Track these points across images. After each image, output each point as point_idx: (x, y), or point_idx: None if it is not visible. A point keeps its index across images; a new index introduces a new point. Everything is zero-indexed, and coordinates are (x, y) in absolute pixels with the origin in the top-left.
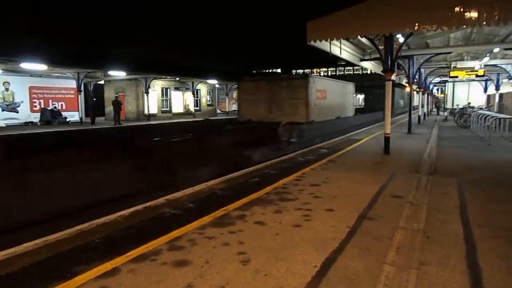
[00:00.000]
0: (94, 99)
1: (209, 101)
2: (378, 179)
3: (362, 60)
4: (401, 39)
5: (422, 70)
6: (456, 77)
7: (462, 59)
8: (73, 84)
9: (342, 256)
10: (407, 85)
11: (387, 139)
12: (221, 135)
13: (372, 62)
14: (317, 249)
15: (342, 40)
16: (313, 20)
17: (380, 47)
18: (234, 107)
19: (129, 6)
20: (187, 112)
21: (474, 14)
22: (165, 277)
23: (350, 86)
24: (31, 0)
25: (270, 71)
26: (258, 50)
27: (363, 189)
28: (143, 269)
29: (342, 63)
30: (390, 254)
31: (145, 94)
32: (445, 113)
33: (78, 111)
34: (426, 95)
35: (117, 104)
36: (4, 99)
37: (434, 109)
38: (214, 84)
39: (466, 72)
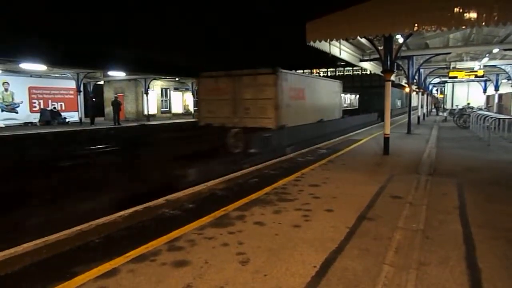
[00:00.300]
0: (94, 99)
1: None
2: (377, 179)
3: (361, 60)
4: (400, 39)
5: (421, 70)
6: (456, 77)
7: (462, 60)
8: (72, 84)
9: (342, 256)
10: (406, 85)
11: (386, 140)
12: (165, 144)
13: (371, 62)
14: (317, 249)
15: (341, 40)
16: (313, 21)
17: (379, 48)
18: None
19: (129, 7)
20: (186, 113)
21: (473, 15)
22: (164, 278)
23: (336, 85)
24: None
25: None
26: (258, 50)
27: (362, 189)
28: (143, 270)
29: (342, 63)
30: (390, 255)
31: (145, 95)
32: (445, 114)
33: (78, 111)
34: (425, 95)
35: (117, 105)
36: (3, 99)
37: (434, 110)
38: None
39: (466, 72)
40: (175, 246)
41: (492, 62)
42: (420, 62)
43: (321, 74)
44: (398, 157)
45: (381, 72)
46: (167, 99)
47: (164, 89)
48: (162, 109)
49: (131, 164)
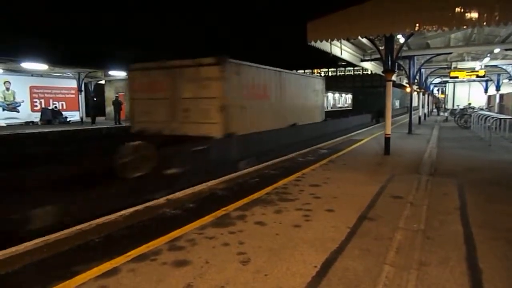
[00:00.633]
0: (95, 98)
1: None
2: (378, 179)
3: (362, 60)
4: (401, 39)
5: (422, 70)
6: (457, 77)
7: (463, 60)
8: (73, 83)
9: (342, 256)
10: (407, 85)
11: (387, 140)
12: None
13: (372, 62)
14: (317, 249)
15: (342, 40)
16: (314, 20)
17: (380, 48)
18: None
19: (129, 7)
20: None
21: (474, 15)
22: (165, 277)
23: (317, 82)
24: (32, 2)
25: None
26: (258, 50)
27: (363, 189)
28: (143, 269)
29: (343, 63)
30: (390, 255)
31: None
32: (446, 114)
33: (79, 110)
34: (426, 95)
35: (118, 104)
36: (5, 98)
37: (435, 110)
38: None
39: (467, 72)
40: (176, 245)
41: (493, 62)
42: (421, 62)
43: (322, 74)
44: (399, 157)
45: (382, 72)
46: None
47: None
48: None
49: None
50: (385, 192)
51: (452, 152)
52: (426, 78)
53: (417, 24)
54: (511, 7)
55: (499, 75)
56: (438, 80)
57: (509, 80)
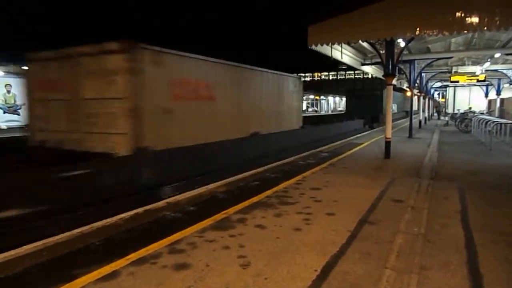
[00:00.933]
0: None
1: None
2: (379, 183)
3: (363, 64)
4: (402, 43)
5: (423, 74)
6: (457, 82)
7: (463, 64)
8: None
9: (343, 260)
10: (407, 89)
11: (388, 143)
12: None
13: (373, 66)
14: (318, 253)
15: (343, 44)
16: (315, 24)
17: (381, 52)
18: None
19: (129, 7)
20: None
21: (475, 19)
22: (165, 280)
23: (291, 81)
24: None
25: None
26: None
27: (364, 193)
28: (143, 272)
29: (343, 67)
30: (391, 259)
31: None
32: (446, 118)
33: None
34: (427, 99)
35: None
36: (5, 101)
37: (435, 114)
38: None
39: (467, 77)
40: (176, 249)
41: (494, 67)
42: (421, 66)
43: (322, 78)
44: (400, 161)
45: (383, 76)
46: None
47: None
48: None
49: None
50: (385, 196)
51: (452, 156)
52: (427, 82)
53: (418, 29)
54: (511, 12)
55: (499, 79)
56: (438, 84)
57: (510, 84)
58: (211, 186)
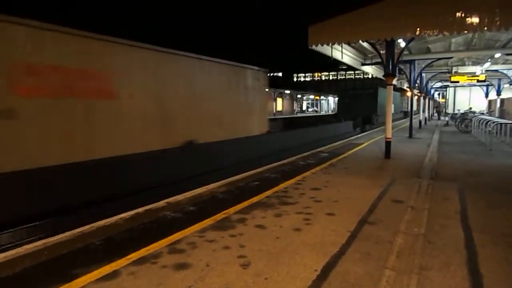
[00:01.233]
0: None
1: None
2: (379, 183)
3: (363, 64)
4: (402, 43)
5: (423, 74)
6: (457, 82)
7: (464, 64)
8: None
9: (343, 260)
10: (408, 89)
11: (388, 144)
12: None
13: (373, 66)
14: (318, 253)
15: (343, 44)
16: (315, 24)
17: (381, 52)
18: None
19: (129, 6)
20: None
21: (475, 19)
22: (165, 280)
23: (249, 74)
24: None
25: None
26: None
27: (364, 193)
28: (144, 272)
29: (344, 67)
30: (391, 259)
31: None
32: (446, 118)
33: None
34: (427, 99)
35: None
36: None
37: (435, 114)
38: None
39: (468, 77)
40: (176, 248)
41: (494, 67)
42: (422, 66)
43: (323, 78)
44: (400, 161)
45: (383, 76)
46: None
47: None
48: None
49: None
50: (385, 196)
51: (452, 156)
52: (427, 83)
53: (418, 29)
54: (511, 12)
55: (499, 79)
56: (438, 84)
57: (510, 85)
58: (211, 186)
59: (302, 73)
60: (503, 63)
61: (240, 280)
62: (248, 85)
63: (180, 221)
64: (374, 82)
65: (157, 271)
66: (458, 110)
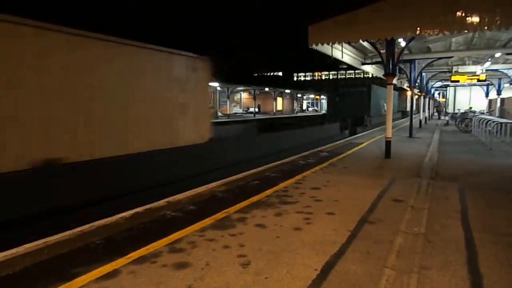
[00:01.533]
0: None
1: (211, 103)
2: (379, 182)
3: (363, 63)
4: (402, 43)
5: (423, 74)
6: (458, 81)
7: (464, 64)
8: None
9: (343, 259)
10: (408, 89)
11: (388, 143)
12: None
13: (373, 65)
14: (318, 252)
15: (343, 43)
16: (315, 24)
17: (381, 51)
18: (235, 109)
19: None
20: None
21: (475, 19)
22: (165, 279)
23: (176, 61)
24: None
25: (272, 74)
26: (260, 54)
27: (364, 192)
28: (144, 271)
29: (344, 66)
30: (391, 258)
31: None
32: (446, 118)
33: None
34: (427, 99)
35: None
36: None
37: (435, 114)
38: (215, 87)
39: (468, 76)
40: (176, 248)
41: (494, 66)
42: (422, 65)
43: (323, 78)
44: (400, 161)
45: (383, 75)
46: None
47: None
48: None
49: None
50: (386, 196)
51: (453, 156)
52: (427, 82)
53: (418, 28)
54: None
55: (500, 79)
56: (439, 83)
57: (510, 84)
58: (211, 185)
59: (302, 72)
60: (504, 63)
61: (240, 279)
62: (176, 77)
63: (180, 220)
64: (374, 82)
65: (157, 270)
66: (458, 109)
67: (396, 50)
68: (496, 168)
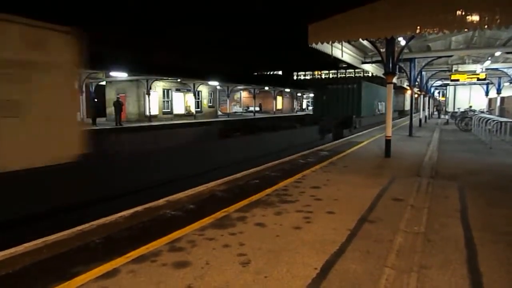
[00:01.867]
0: (96, 99)
1: (211, 102)
2: (379, 182)
3: (363, 62)
4: (402, 42)
5: (423, 73)
6: (458, 80)
7: (464, 63)
8: None
9: (343, 258)
10: (408, 88)
11: (388, 142)
12: None
13: (373, 64)
14: (318, 251)
15: (343, 42)
16: (315, 23)
17: (381, 50)
18: (235, 108)
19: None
20: (188, 114)
21: (475, 18)
22: (165, 278)
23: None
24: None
25: (272, 73)
26: (260, 54)
27: (364, 191)
28: (143, 270)
29: (344, 65)
30: (391, 257)
31: (147, 95)
32: (446, 117)
33: (80, 111)
34: (427, 98)
35: (119, 105)
36: None
37: (435, 113)
38: (215, 86)
39: (468, 75)
40: (176, 246)
41: (494, 65)
42: (422, 64)
43: (323, 76)
44: (400, 160)
45: (383, 74)
46: (168, 100)
47: (165, 90)
48: (164, 110)
49: None
50: (385, 195)
51: (453, 155)
52: (427, 81)
53: (418, 27)
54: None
55: (500, 78)
56: (439, 82)
57: (510, 83)
58: (211, 184)
59: (302, 71)
60: (503, 62)
61: (240, 278)
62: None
63: (180, 219)
64: (375, 81)
65: (156, 269)
66: (458, 108)
67: (396, 49)
68: (496, 167)
